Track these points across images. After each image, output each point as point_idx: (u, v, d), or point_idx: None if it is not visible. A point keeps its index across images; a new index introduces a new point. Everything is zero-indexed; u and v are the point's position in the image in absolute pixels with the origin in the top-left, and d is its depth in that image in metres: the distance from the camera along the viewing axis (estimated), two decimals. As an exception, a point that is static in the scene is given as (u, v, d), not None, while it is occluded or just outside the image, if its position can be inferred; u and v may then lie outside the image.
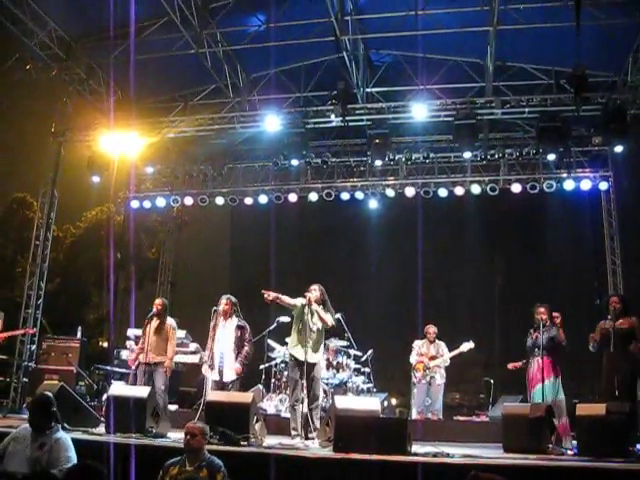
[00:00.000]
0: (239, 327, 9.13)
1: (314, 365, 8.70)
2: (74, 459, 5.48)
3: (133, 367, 10.02)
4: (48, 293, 15.06)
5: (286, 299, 8.84)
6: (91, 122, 14.16)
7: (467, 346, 11.68)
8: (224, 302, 9.22)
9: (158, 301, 10.06)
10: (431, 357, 11.63)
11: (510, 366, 9.98)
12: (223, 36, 12.73)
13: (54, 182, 14.18)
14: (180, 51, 12.56)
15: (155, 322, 9.70)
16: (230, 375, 8.98)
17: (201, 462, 5.55)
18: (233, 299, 9.32)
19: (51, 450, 5.44)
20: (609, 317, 8.61)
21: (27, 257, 14.29)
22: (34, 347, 13.02)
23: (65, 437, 5.63)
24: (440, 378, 11.56)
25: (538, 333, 9.01)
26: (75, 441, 5.73)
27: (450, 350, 11.74)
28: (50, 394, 5.96)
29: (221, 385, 8.95)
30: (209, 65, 12.83)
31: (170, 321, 9.84)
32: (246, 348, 9.09)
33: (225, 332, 9.15)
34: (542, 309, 9.12)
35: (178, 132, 14.08)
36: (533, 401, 8.78)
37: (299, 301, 8.85)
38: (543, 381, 8.85)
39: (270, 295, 8.65)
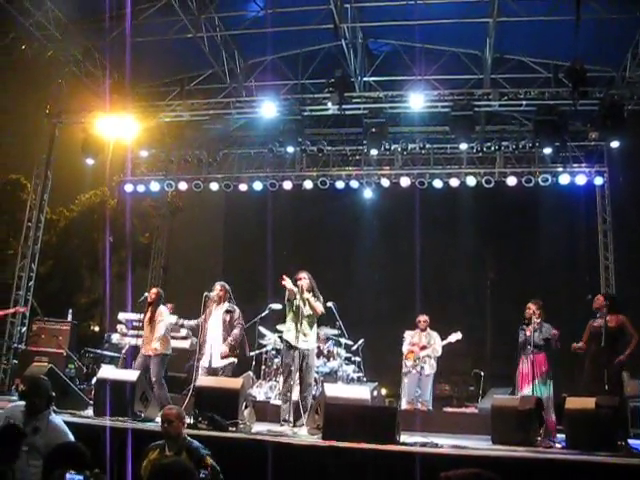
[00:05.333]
0: (227, 311, 9.09)
1: (308, 352, 8.65)
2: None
3: (123, 351, 9.95)
4: (40, 276, 15.02)
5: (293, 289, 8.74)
6: (86, 104, 14.04)
7: (455, 337, 11.58)
8: (218, 288, 9.20)
9: (153, 290, 9.88)
10: (422, 347, 11.47)
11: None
12: (221, 21, 12.65)
13: (48, 164, 14.10)
14: (177, 35, 12.49)
15: (149, 312, 9.57)
16: (219, 361, 8.93)
17: (180, 447, 5.43)
18: (227, 286, 9.30)
19: (47, 436, 5.32)
20: (598, 315, 8.73)
21: (19, 239, 14.22)
22: (24, 329, 13.01)
23: (60, 422, 5.56)
24: (429, 368, 11.38)
25: (530, 330, 9.01)
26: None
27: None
28: (46, 378, 5.90)
29: (211, 371, 8.91)
30: (206, 50, 12.76)
31: (161, 308, 9.62)
32: (235, 331, 9.00)
33: (215, 318, 9.12)
34: (529, 304, 9.18)
35: (174, 116, 13.98)
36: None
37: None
38: (534, 379, 8.83)
39: (287, 283, 8.63)
